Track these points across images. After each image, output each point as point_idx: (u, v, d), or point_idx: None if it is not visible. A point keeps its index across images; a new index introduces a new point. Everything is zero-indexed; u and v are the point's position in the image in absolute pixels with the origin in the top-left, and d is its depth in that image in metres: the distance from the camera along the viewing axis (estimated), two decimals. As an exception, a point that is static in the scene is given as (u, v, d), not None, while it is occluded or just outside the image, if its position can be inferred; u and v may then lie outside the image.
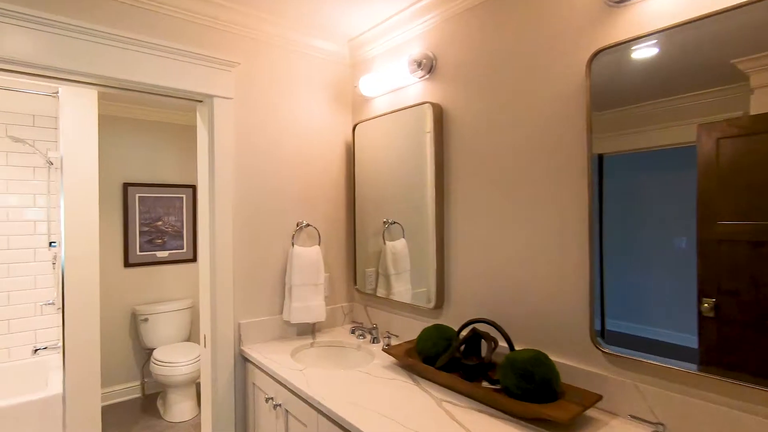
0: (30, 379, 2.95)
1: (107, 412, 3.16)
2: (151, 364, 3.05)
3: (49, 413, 2.43)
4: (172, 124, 3.59)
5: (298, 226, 2.06)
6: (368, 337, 1.98)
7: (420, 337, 1.55)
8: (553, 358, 1.35)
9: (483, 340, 1.44)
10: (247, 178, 1.92)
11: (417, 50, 1.86)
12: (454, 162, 1.71)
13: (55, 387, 2.54)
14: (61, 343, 2.38)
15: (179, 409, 3.03)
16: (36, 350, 2.61)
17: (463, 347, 1.41)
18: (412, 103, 1.86)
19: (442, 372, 1.38)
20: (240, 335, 1.88)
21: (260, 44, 1.94)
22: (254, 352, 1.79)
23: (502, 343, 1.48)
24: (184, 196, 3.65)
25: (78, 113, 2.40)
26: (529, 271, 1.42)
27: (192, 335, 3.71)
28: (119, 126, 3.34)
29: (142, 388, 3.43)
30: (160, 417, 3.08)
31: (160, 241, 3.53)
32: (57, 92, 2.38)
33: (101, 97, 3.11)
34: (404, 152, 1.93)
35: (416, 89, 1.88)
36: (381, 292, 2.06)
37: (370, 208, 2.13)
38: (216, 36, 1.81)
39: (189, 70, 1.73)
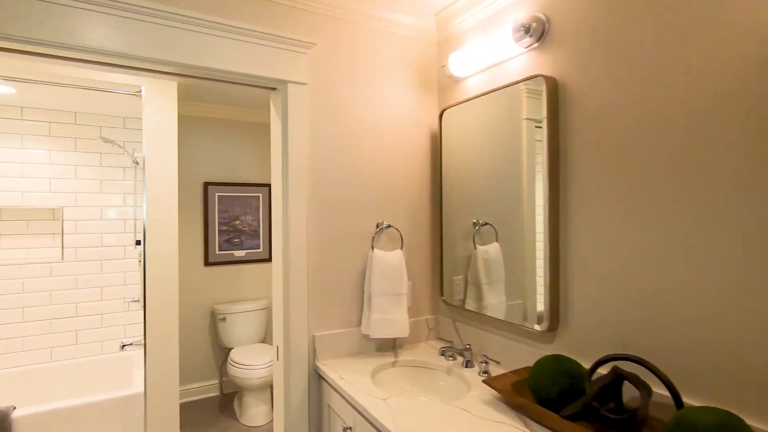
0: (117, 374, 3.05)
1: (186, 409, 3.19)
2: (228, 365, 3.01)
3: (132, 410, 2.45)
4: (250, 122, 3.56)
5: (378, 227, 1.82)
6: (459, 359, 1.69)
7: (534, 370, 1.22)
8: (752, 423, 0.95)
9: (632, 385, 1.08)
10: (323, 172, 1.71)
11: (523, 14, 1.52)
12: (577, 150, 1.35)
13: (138, 384, 2.56)
14: (143, 340, 2.39)
15: (255, 413, 2.96)
16: (123, 346, 2.66)
17: (596, 391, 1.07)
18: (516, 79, 1.53)
19: (571, 423, 1.04)
20: (315, 349, 1.68)
21: (337, 22, 1.72)
22: (330, 371, 1.58)
23: (659, 390, 1.10)
24: (260, 195, 3.62)
25: (158, 113, 2.38)
26: (706, 295, 1.03)
27: (267, 336, 3.67)
28: (200, 126, 3.37)
29: (220, 387, 3.44)
30: (236, 419, 3.03)
31: (237, 240, 3.52)
32: (140, 91, 2.38)
33: (182, 98, 3.14)
34: (501, 140, 1.61)
35: (521, 62, 1.54)
36: (471, 304, 1.76)
37: (459, 206, 1.83)
38: (288, 15, 1.63)
39: (262, 53, 1.56)
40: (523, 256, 1.52)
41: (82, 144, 3.02)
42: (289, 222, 1.65)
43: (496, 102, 1.63)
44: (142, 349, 2.92)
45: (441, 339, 1.95)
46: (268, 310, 3.63)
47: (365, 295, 1.76)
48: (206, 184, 3.38)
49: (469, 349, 1.62)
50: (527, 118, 1.51)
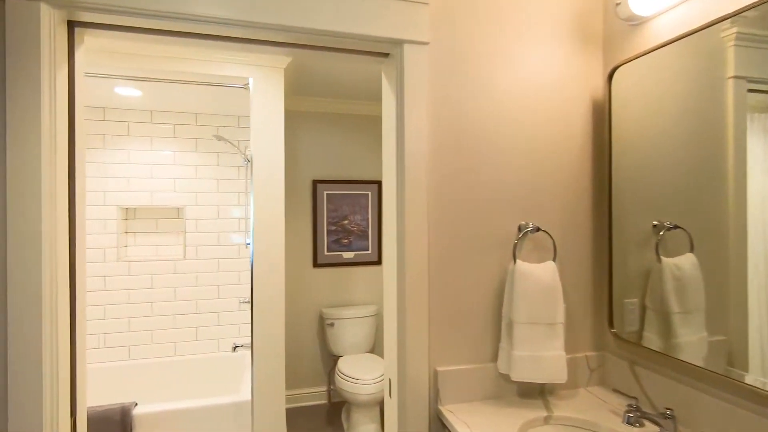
0: (231, 374, 3.04)
1: (293, 415, 3.06)
2: (336, 376, 2.80)
3: (242, 415, 2.35)
4: (359, 115, 3.33)
5: (520, 231, 1.37)
6: (651, 427, 1.15)
7: None
8: None
9: None
10: (447, 159, 1.32)
11: None
12: None
13: (247, 387, 2.47)
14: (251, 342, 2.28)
15: (363, 431, 2.69)
16: (235, 348, 2.61)
17: None
18: (744, 5, 0.95)
19: None
20: (437, 388, 1.29)
21: (468, -39, 1.31)
22: (459, 422, 1.17)
23: None
24: (369, 193, 3.37)
25: (265, 106, 2.23)
26: None
27: (376, 345, 3.41)
28: (309, 121, 3.23)
29: (328, 395, 3.27)
30: (343, 434, 2.81)
31: (346, 241, 3.32)
32: (247, 83, 2.25)
33: (290, 93, 3.02)
34: (705, 106, 1.05)
35: (773, -31, 0.95)
36: (652, 340, 1.22)
37: (633, 203, 1.30)
38: (407, -44, 1.26)
39: (371, 7, 1.22)
40: (731, 274, 0.95)
41: (202, 144, 3.07)
42: (405, 223, 1.29)
43: (706, 47, 1.07)
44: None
45: (612, 388, 1.41)
46: (378, 317, 3.36)
47: (503, 321, 1.33)
48: (315, 182, 3.24)
49: (671, 417, 1.08)
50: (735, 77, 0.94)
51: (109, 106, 2.89)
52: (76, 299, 1.17)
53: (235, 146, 2.75)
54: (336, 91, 2.99)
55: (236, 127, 3.14)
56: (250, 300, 2.85)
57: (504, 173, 1.36)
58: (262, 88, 2.23)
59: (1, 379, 1.02)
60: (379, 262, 3.38)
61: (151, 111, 2.99)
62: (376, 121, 3.38)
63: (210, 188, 3.09)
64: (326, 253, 3.28)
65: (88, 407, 2.17)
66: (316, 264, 3.25)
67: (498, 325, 1.36)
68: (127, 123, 2.95)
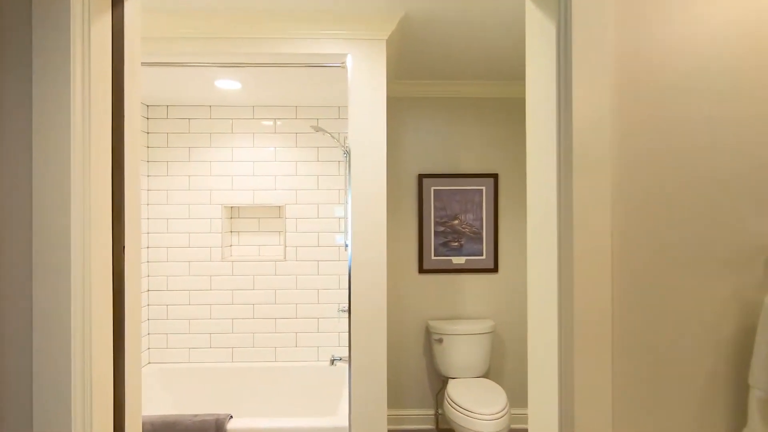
0: (330, 388, 2.80)
1: (400, 441, 2.72)
2: (446, 403, 2.38)
3: (340, 442, 2.07)
4: (471, 99, 2.87)
5: (784, 241, 0.80)
6: None
7: None
8: None
9: None
10: (645, 135, 0.81)
11: None
12: None
13: (345, 405, 2.18)
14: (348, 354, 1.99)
15: (478, 475, 2.23)
16: (333, 361, 2.35)
17: None
18: None
19: None
20: (628, 493, 0.80)
21: None
22: None
23: None
24: (483, 188, 2.88)
25: (365, 87, 1.91)
26: None
27: (492, 368, 2.91)
28: (414, 107, 2.86)
29: (436, 420, 2.86)
30: (455, 473, 2.38)
31: (456, 244, 2.87)
32: (345, 61, 1.95)
33: (393, 78, 2.68)
34: None
35: None
36: None
37: None
38: None
39: None
40: None
41: (302, 139, 2.89)
42: (573, 229, 0.82)
43: None
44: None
45: None
46: (494, 335, 2.86)
47: (752, 392, 0.78)
48: (421, 177, 2.85)
49: None
50: None
51: (215, 104, 2.85)
52: (124, 304, 0.93)
53: (335, 139, 2.49)
54: (445, 69, 2.57)
55: (336, 119, 2.90)
56: (347, 309, 2.57)
57: (746, 152, 0.81)
58: (362, 64, 1.91)
59: (26, 391, 0.81)
60: (495, 269, 2.88)
61: (253, 106, 2.88)
62: (491, 103, 2.87)
63: (310, 185, 2.89)
64: (433, 257, 2.88)
65: (185, 414, 2.07)
66: (422, 269, 2.87)
67: (738, 395, 0.81)
68: (230, 120, 2.89)
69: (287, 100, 2.77)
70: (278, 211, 2.99)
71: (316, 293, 2.90)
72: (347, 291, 2.89)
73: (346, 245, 2.50)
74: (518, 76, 2.70)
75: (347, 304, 2.76)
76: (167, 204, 2.88)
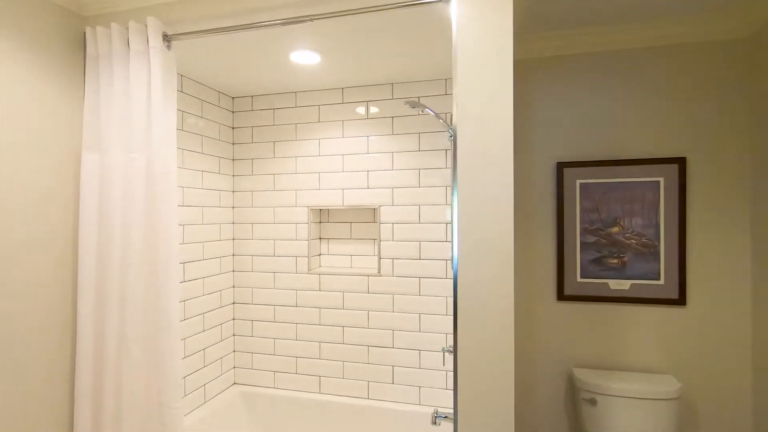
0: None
1: None
2: None
3: None
4: (641, 49, 1.97)
5: None
6: None
7: None
8: None
9: None
10: None
11: None
12: None
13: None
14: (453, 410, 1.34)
15: None
16: (435, 419, 1.71)
17: None
18: None
19: None
20: None
21: None
22: None
23: None
24: (660, 179, 1.95)
25: (479, 41, 1.25)
26: None
27: (677, 448, 1.95)
28: (551, 72, 2.07)
29: None
30: None
31: (615, 261, 2.00)
32: (450, -10, 1.30)
33: (522, 33, 1.93)
34: None
35: None
36: None
37: None
38: None
39: None
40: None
41: (399, 124, 2.31)
42: None
43: None
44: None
45: None
46: (682, 401, 1.91)
47: None
48: (561, 166, 2.05)
49: None
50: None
51: (300, 89, 2.44)
52: None
53: (441, 120, 1.85)
54: (598, 7, 1.74)
55: (443, 95, 2.26)
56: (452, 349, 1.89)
57: None
58: (474, 13, 1.24)
59: None
60: (680, 300, 1.93)
61: (342, 89, 2.40)
62: (678, 54, 1.93)
63: (410, 181, 2.30)
64: (579, 279, 2.04)
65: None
66: (562, 296, 2.06)
67: None
68: (317, 107, 2.44)
69: (380, 75, 2.21)
70: (372, 214, 2.46)
71: (417, 319, 2.29)
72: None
73: (453, 260, 1.84)
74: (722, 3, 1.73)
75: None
76: (252, 207, 2.56)
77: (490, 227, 1.27)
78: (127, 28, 1.58)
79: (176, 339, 1.56)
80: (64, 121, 1.58)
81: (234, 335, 2.58)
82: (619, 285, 2.00)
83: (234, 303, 2.58)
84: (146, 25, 1.55)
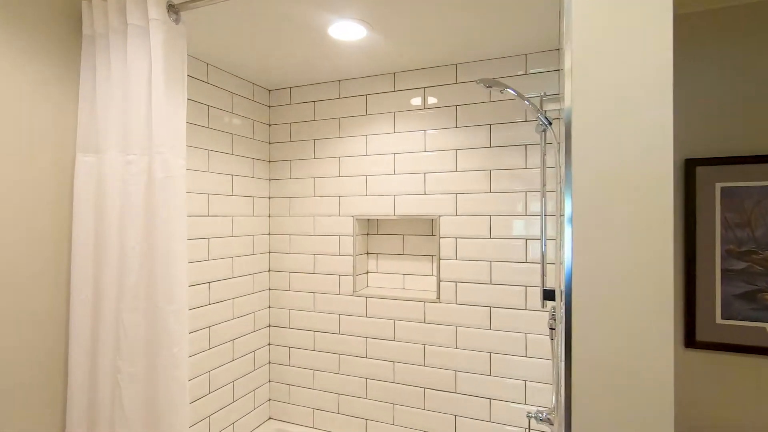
0: None
1: None
2: None
3: None
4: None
5: None
6: None
7: None
8: None
9: None
10: None
11: None
12: None
13: None
14: None
15: None
16: None
17: None
18: None
19: None
20: None
21: None
22: None
23: None
24: None
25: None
26: None
27: None
28: (679, 33, 1.51)
29: None
30: None
31: (777, 297, 1.41)
32: None
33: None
34: None
35: None
36: None
37: None
38: None
39: None
40: None
41: (465, 114, 1.86)
42: None
43: None
44: None
45: None
46: None
47: None
48: (690, 164, 1.49)
49: None
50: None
51: (344, 77, 2.06)
52: None
53: (530, 105, 1.38)
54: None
55: (522, 75, 1.77)
56: (551, 417, 1.39)
57: None
58: None
59: None
60: None
61: (394, 73, 1.98)
62: None
63: (478, 186, 1.83)
64: (720, 320, 1.47)
65: None
66: (692, 342, 1.50)
67: None
68: (364, 97, 2.04)
69: (440, 53, 1.77)
70: (430, 225, 2.02)
71: (487, 359, 1.81)
72: (539, 363, 1.70)
73: (546, 293, 1.35)
74: None
75: (552, 408, 1.53)
76: (289, 216, 2.21)
77: (635, 251, 0.79)
78: (127, -1, 1.26)
79: (180, 387, 1.22)
80: (57, 117, 1.30)
81: (269, 363, 2.25)
82: (783, 331, 1.40)
83: (270, 326, 2.25)
84: (147, -7, 1.22)
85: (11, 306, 1.17)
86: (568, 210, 0.84)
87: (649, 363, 0.80)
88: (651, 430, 0.77)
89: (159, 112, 1.22)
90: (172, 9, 1.26)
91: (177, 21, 1.28)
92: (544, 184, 1.46)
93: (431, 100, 1.92)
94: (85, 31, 1.32)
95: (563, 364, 0.86)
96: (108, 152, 1.27)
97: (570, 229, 0.83)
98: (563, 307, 0.87)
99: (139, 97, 1.24)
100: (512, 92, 1.31)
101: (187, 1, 1.26)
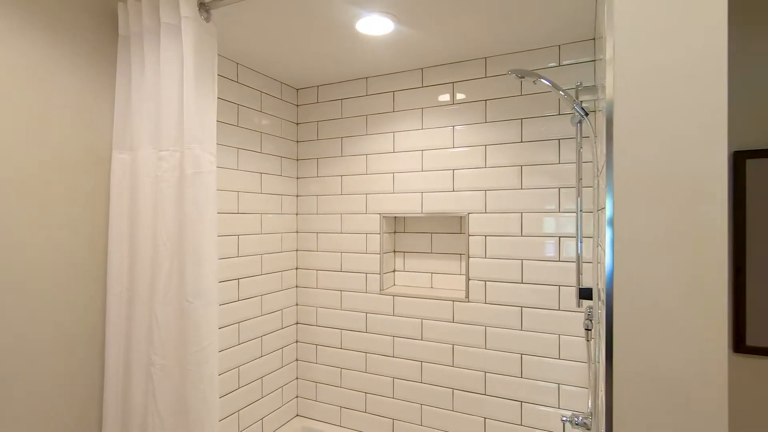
0: None
1: None
2: None
3: None
4: None
5: None
6: None
7: None
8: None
9: None
10: None
11: None
12: None
13: None
14: None
15: None
16: None
17: None
18: None
19: None
20: None
21: None
22: None
23: None
24: None
25: None
26: None
27: None
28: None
29: None
30: None
31: (840, 300, 1.30)
32: None
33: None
34: None
35: None
36: None
37: None
38: None
39: None
40: None
41: (494, 109, 1.81)
42: None
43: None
44: None
45: None
46: None
47: None
48: (740, 156, 1.40)
49: None
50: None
51: (372, 74, 2.05)
52: None
53: (566, 96, 1.33)
54: None
55: (555, 67, 1.71)
56: (587, 421, 1.33)
57: None
58: None
59: None
60: None
61: (421, 69, 1.95)
62: None
63: (508, 182, 1.78)
64: (774, 324, 1.37)
65: None
66: (742, 347, 1.40)
67: None
68: (391, 93, 2.03)
69: (469, 46, 1.73)
70: (458, 223, 1.98)
71: (519, 361, 1.76)
72: (572, 366, 1.64)
73: (582, 292, 1.30)
74: None
75: (589, 412, 1.45)
76: (316, 213, 2.22)
77: (656, 242, 0.74)
78: (160, -1, 1.29)
79: (211, 381, 1.23)
80: (95, 116, 1.34)
81: (297, 360, 2.26)
82: None
83: (297, 323, 2.26)
84: (178, -9, 1.25)
85: (52, 296, 1.21)
86: (609, 210, 0.79)
87: (700, 370, 0.74)
88: (703, 438, 0.72)
89: (190, 108, 1.23)
90: (203, 7, 1.28)
91: (207, 19, 1.30)
92: (580, 179, 1.40)
93: (459, 96, 1.88)
94: (121, 31, 1.36)
95: (604, 369, 0.82)
96: (141, 149, 1.30)
97: (611, 230, 0.79)
98: (605, 311, 0.82)
99: (171, 94, 1.26)
100: (546, 82, 1.26)
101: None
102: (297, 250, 2.26)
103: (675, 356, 0.75)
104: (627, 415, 0.77)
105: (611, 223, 0.79)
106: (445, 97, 1.91)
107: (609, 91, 0.80)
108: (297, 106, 2.27)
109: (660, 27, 0.75)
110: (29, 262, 1.16)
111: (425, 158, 1.95)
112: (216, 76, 1.32)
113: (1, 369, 1.11)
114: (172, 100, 1.26)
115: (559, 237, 1.69)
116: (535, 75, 1.24)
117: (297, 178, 2.27)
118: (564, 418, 1.33)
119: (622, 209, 0.78)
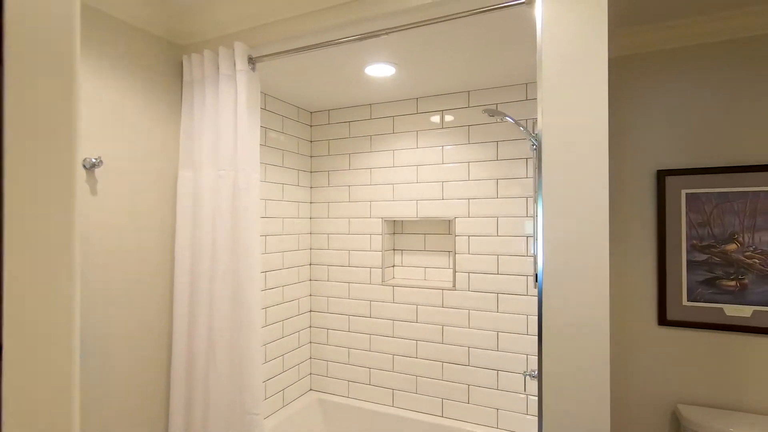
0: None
1: None
2: None
3: None
4: (756, 37, 1.70)
5: None
6: None
7: None
8: None
9: None
10: None
11: None
12: None
13: None
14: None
15: None
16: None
17: None
18: None
19: None
20: None
21: None
22: None
23: None
24: (793, 188, 1.65)
25: (568, 39, 1.14)
26: None
27: None
28: (646, 68, 1.85)
29: None
30: None
31: (732, 283, 1.73)
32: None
33: (616, 26, 1.75)
34: None
35: None
36: None
37: None
38: None
39: None
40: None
41: (476, 133, 2.23)
42: None
43: None
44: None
45: None
46: (825, 457, 1.59)
47: None
48: (662, 174, 1.82)
49: None
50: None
51: (375, 101, 2.46)
52: None
53: (521, 128, 1.74)
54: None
55: (523, 101, 2.13)
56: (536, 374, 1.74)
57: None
58: (564, 17, 1.14)
59: None
60: (821, 334, 1.60)
61: (416, 99, 2.37)
62: (812, 38, 1.62)
63: (487, 192, 2.20)
64: (686, 302, 1.79)
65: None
66: (664, 321, 1.82)
67: None
68: (391, 118, 2.44)
69: (455, 83, 2.15)
70: (447, 226, 2.39)
71: (495, 337, 2.17)
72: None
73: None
74: None
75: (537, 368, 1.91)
76: (328, 217, 2.62)
77: (582, 243, 1.15)
78: (218, 54, 1.69)
79: (258, 346, 1.63)
80: (164, 141, 1.74)
81: (311, 342, 2.65)
82: (737, 311, 1.72)
83: (311, 311, 2.66)
84: (233, 50, 1.65)
85: (134, 287, 1.61)
86: (539, 211, 1.21)
87: (590, 315, 1.15)
88: (591, 383, 1.13)
89: (242, 137, 1.64)
90: (251, 61, 1.69)
91: (254, 69, 1.70)
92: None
93: (448, 120, 2.30)
94: (185, 78, 1.76)
95: (539, 333, 1.22)
96: (203, 168, 1.70)
97: (541, 227, 1.20)
98: (539, 287, 1.23)
99: (227, 126, 1.66)
100: (510, 120, 1.68)
101: (262, 56, 1.68)
102: (311, 249, 2.66)
103: (577, 311, 1.16)
104: (550, 347, 1.18)
105: (543, 226, 1.20)
106: (436, 121, 2.33)
107: (539, 126, 1.21)
108: (311, 126, 2.67)
109: (566, 85, 1.16)
110: (124, 261, 1.56)
111: (419, 172, 2.36)
112: (259, 111, 1.72)
113: (102, 350, 1.50)
114: (228, 130, 1.66)
115: (527, 237, 2.11)
116: (501, 114, 1.66)
117: (311, 187, 2.67)
118: (524, 373, 1.75)
119: (549, 219, 1.19)
